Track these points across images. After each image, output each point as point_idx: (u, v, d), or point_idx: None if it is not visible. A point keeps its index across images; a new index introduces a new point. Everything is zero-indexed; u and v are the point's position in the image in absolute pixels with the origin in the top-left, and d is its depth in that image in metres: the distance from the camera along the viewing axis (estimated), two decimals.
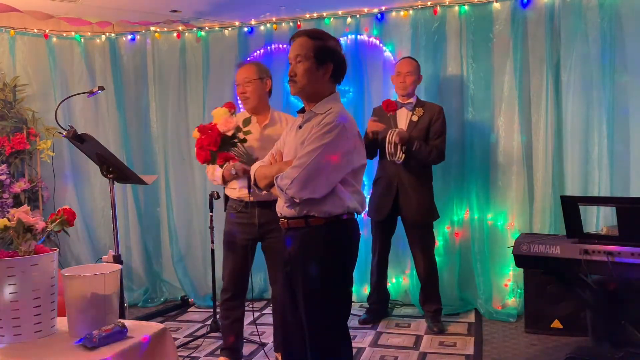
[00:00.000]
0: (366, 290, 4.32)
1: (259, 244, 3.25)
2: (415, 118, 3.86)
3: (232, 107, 2.96)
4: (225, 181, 3.14)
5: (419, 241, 3.93)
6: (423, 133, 3.82)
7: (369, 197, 4.07)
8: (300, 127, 2.27)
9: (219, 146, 2.79)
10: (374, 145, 3.79)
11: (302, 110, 2.31)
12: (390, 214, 3.91)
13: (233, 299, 3.24)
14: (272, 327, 3.51)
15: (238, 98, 3.30)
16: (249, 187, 2.91)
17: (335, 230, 2.19)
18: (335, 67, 2.23)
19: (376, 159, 4.00)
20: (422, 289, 4.01)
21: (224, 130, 2.81)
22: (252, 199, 3.06)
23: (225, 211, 3.30)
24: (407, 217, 3.90)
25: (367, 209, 3.97)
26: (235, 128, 2.84)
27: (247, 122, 2.92)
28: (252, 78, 3.15)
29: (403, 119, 3.89)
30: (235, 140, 2.87)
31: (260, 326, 4.06)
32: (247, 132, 2.90)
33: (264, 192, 2.35)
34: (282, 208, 2.25)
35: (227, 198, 3.28)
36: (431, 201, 3.93)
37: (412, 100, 3.91)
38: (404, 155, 3.70)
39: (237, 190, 3.15)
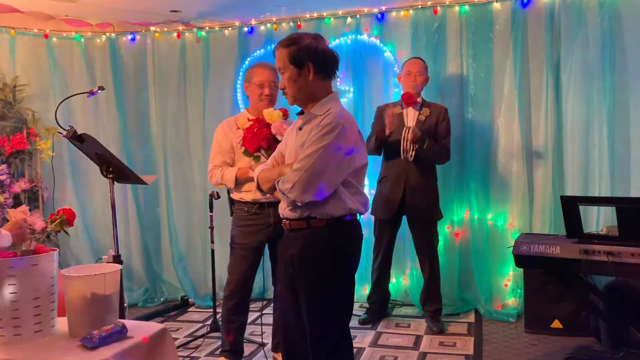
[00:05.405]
0: (366, 290, 4.31)
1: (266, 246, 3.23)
2: (422, 118, 3.89)
3: (286, 114, 2.92)
4: (238, 183, 3.09)
5: (425, 240, 3.94)
6: (429, 133, 3.83)
7: (372, 196, 4.07)
8: (300, 128, 2.25)
9: (269, 144, 2.75)
10: (386, 142, 3.79)
11: (302, 112, 2.29)
12: (396, 212, 3.91)
13: (239, 304, 3.22)
14: (272, 327, 3.50)
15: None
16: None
17: (337, 232, 2.19)
18: (316, 63, 2.17)
19: (379, 158, 4.00)
20: (424, 288, 4.01)
21: (275, 133, 2.77)
22: (269, 198, 3.00)
23: (231, 216, 3.25)
24: (413, 216, 3.91)
25: (370, 209, 3.99)
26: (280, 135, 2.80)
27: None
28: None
29: (411, 118, 3.92)
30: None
31: (260, 326, 4.05)
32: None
33: (268, 195, 2.34)
34: (284, 210, 2.25)
35: (232, 202, 3.23)
36: (436, 200, 3.95)
37: (419, 100, 3.94)
38: (414, 152, 3.72)
39: (252, 192, 3.08)
